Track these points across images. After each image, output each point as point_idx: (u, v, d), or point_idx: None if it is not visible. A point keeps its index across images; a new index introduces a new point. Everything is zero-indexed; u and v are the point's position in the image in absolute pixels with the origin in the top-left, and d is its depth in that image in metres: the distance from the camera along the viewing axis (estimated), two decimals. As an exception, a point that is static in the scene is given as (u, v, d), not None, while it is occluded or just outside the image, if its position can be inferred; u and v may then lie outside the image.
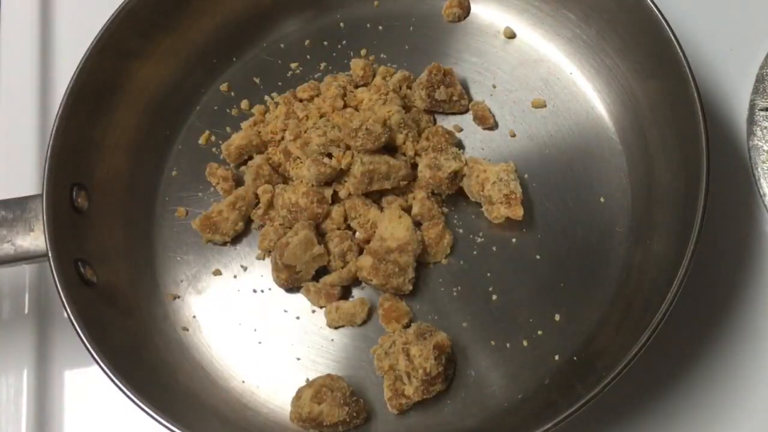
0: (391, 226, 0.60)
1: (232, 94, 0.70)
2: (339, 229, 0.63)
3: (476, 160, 0.63)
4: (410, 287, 0.61)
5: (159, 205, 0.67)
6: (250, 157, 0.66)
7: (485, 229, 0.63)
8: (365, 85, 0.68)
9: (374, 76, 0.69)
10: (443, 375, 0.57)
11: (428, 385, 0.57)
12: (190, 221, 0.65)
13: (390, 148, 0.64)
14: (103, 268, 0.61)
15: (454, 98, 0.66)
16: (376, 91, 0.65)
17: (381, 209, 0.63)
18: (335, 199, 0.63)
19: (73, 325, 0.55)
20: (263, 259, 0.64)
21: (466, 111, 0.67)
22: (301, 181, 0.63)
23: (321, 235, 0.62)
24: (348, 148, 0.63)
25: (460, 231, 0.63)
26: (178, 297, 0.64)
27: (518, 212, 0.60)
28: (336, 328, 0.61)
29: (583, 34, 0.67)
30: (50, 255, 0.57)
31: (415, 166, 0.64)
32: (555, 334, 0.60)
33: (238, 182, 0.66)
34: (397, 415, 0.58)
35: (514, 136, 0.66)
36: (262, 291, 0.63)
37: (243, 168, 0.66)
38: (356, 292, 0.63)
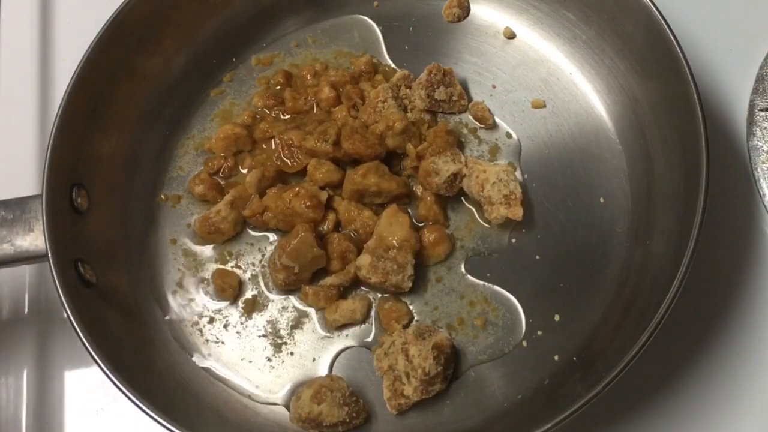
0: (390, 224, 0.60)
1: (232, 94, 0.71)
2: (337, 231, 0.63)
3: (476, 161, 0.63)
4: (410, 284, 0.61)
5: (158, 206, 0.67)
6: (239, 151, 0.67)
7: (485, 230, 0.63)
8: (369, 80, 0.68)
9: (376, 72, 0.69)
10: (442, 375, 0.57)
11: (427, 385, 0.57)
12: (189, 221, 0.65)
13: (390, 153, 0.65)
14: (103, 268, 0.61)
15: (454, 98, 0.66)
16: (376, 96, 0.66)
17: (375, 213, 0.63)
18: (329, 204, 0.64)
19: (72, 325, 0.55)
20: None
21: (466, 110, 0.67)
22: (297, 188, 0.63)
23: (320, 237, 0.62)
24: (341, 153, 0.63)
25: (460, 230, 0.64)
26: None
27: (518, 213, 0.60)
28: (337, 328, 0.61)
29: (583, 34, 0.67)
30: (50, 255, 0.57)
31: (416, 168, 0.64)
32: (555, 334, 0.60)
33: (219, 189, 0.66)
34: (397, 415, 0.58)
35: (513, 136, 0.66)
36: (263, 291, 0.63)
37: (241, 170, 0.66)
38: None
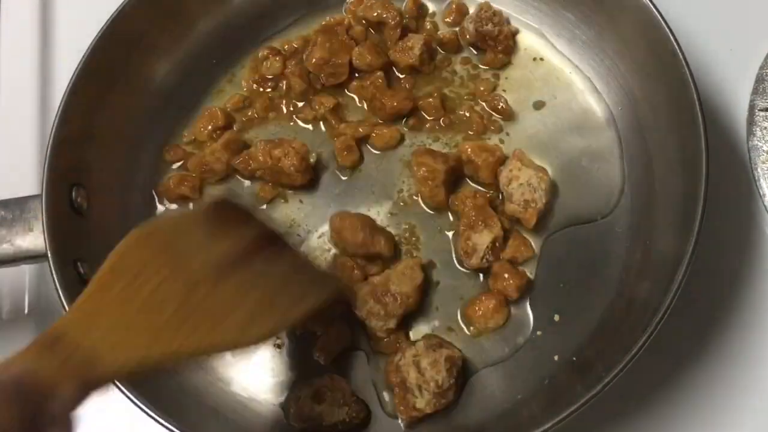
0: (402, 274, 0.59)
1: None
2: None
3: (520, 154, 0.62)
4: (383, 336, 0.59)
5: (159, 206, 0.67)
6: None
7: (485, 229, 0.63)
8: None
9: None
10: (454, 387, 0.57)
11: (440, 398, 0.56)
12: (189, 221, 0.65)
13: None
14: (102, 268, 0.61)
15: (502, 36, 0.67)
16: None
17: None
18: None
19: (72, 325, 0.55)
20: None
21: (512, 53, 0.68)
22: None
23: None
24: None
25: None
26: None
27: (530, 221, 0.60)
28: (329, 354, 0.61)
29: (583, 34, 0.67)
30: (49, 255, 0.57)
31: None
32: (555, 335, 0.60)
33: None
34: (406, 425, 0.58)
35: (512, 136, 0.66)
36: (262, 291, 0.63)
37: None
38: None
